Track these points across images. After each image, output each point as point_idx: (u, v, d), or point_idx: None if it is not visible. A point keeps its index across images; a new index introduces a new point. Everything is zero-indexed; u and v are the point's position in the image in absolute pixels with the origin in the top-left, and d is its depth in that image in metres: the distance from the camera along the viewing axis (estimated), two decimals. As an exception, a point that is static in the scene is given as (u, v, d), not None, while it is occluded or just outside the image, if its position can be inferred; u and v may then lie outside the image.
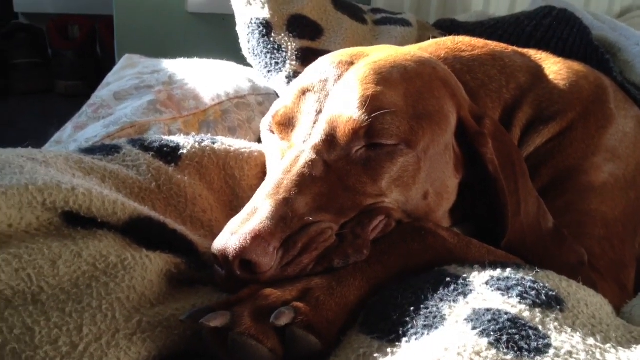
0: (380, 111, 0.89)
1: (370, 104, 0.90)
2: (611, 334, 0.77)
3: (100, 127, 1.18)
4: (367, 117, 0.89)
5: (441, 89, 0.99)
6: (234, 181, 1.01)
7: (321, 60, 1.03)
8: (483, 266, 0.84)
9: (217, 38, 1.98)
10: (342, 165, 0.90)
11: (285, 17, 1.47)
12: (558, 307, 0.77)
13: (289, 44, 1.42)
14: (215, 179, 0.99)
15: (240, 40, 1.48)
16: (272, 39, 1.42)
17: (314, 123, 0.93)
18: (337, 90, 0.94)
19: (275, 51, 1.41)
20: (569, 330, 0.74)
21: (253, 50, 1.43)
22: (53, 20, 3.96)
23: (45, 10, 4.06)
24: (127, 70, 1.40)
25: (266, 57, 1.41)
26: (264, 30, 1.43)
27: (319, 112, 0.93)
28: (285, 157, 0.91)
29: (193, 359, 0.75)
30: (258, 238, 0.77)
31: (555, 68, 1.25)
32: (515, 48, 1.28)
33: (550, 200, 1.09)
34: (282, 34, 1.43)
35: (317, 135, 0.91)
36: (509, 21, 1.66)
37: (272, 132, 0.99)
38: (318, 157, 0.89)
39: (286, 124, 0.96)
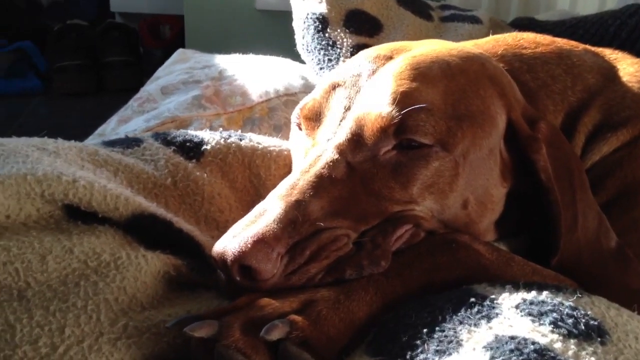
0: (413, 109, 0.81)
1: (402, 100, 0.81)
2: (661, 375, 0.66)
3: (142, 121, 1.16)
4: (397, 114, 0.81)
5: (488, 87, 0.90)
6: (259, 181, 0.95)
7: (359, 54, 0.95)
8: (517, 287, 0.74)
9: (285, 35, 1.94)
10: (367, 168, 0.82)
11: (343, 12, 1.40)
12: (599, 339, 0.67)
13: (345, 40, 1.35)
14: (238, 178, 0.94)
15: (295, 36, 1.42)
16: (327, 34, 1.36)
17: (341, 120, 0.85)
18: (369, 86, 0.87)
19: (329, 47, 1.35)
20: (608, 367, 0.63)
21: (307, 46, 1.38)
22: (145, 19, 4.06)
23: (140, 10, 4.18)
24: (178, 64, 1.38)
25: (319, 53, 1.34)
26: (320, 26, 1.37)
27: (348, 108, 0.86)
28: (307, 156, 0.85)
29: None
30: (260, 242, 0.70)
31: (631, 69, 1.12)
32: (587, 47, 1.16)
33: (615, 216, 0.97)
34: (338, 30, 1.37)
35: (343, 134, 0.83)
36: (592, 20, 1.52)
37: (299, 127, 0.92)
38: (341, 158, 0.82)
39: (313, 119, 0.89)
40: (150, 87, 1.30)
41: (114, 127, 1.21)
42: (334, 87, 0.89)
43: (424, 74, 0.85)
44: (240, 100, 1.26)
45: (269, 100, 1.31)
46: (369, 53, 0.93)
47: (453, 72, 0.88)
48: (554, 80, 1.06)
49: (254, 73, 1.38)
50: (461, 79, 0.88)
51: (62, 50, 3.94)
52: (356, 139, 0.83)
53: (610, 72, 1.11)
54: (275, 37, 2.27)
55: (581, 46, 1.15)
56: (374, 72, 0.88)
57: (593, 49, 1.17)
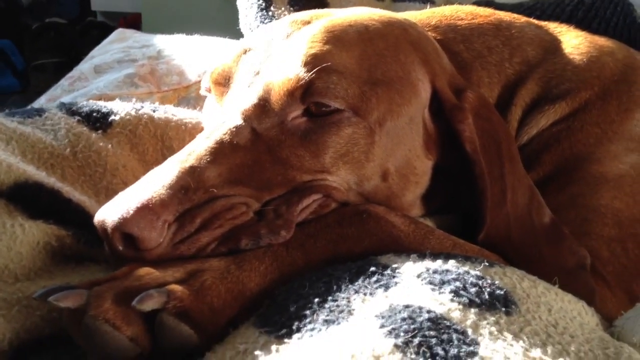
0: (323, 70, 0.76)
1: (312, 63, 0.77)
2: (571, 347, 0.61)
3: (69, 100, 1.11)
4: (305, 75, 0.76)
5: (410, 53, 0.85)
6: (171, 153, 0.89)
7: (279, 20, 0.91)
8: (422, 256, 0.69)
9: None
10: (274, 135, 0.77)
11: (288, -10, 1.35)
12: (504, 309, 0.63)
13: (289, 18, 1.30)
14: (149, 150, 0.89)
15: (239, 15, 1.38)
16: (270, 12, 1.32)
17: (249, 85, 0.81)
18: (280, 50, 0.82)
19: (272, 26, 1.30)
20: (510, 337, 0.59)
21: (250, 25, 1.33)
22: (125, 18, 4.03)
23: (122, 9, 4.13)
24: (115, 44, 1.33)
25: (262, 32, 1.30)
26: (263, 4, 1.32)
27: (257, 73, 0.81)
28: (213, 122, 0.80)
29: (62, 345, 0.64)
30: (144, 209, 0.65)
31: (574, 42, 1.08)
32: (530, 19, 1.12)
33: (552, 193, 0.92)
34: (282, 8, 1.32)
35: (249, 99, 0.79)
36: (550, 1, 1.48)
37: (209, 92, 0.88)
38: (245, 124, 0.77)
39: (222, 84, 0.84)
40: (84, 66, 1.26)
41: (42, 107, 1.16)
42: (245, 51, 0.85)
43: (338, 37, 0.81)
44: (176, 80, 1.21)
45: (207, 80, 1.26)
46: (288, 18, 0.88)
47: (371, 36, 0.83)
48: (490, 51, 1.02)
49: (194, 53, 1.33)
50: (380, 43, 0.83)
51: (40, 49, 3.91)
52: (263, 104, 0.78)
53: (551, 45, 1.07)
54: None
55: (523, 19, 1.11)
56: (287, 36, 0.84)
57: (536, 22, 1.12)
